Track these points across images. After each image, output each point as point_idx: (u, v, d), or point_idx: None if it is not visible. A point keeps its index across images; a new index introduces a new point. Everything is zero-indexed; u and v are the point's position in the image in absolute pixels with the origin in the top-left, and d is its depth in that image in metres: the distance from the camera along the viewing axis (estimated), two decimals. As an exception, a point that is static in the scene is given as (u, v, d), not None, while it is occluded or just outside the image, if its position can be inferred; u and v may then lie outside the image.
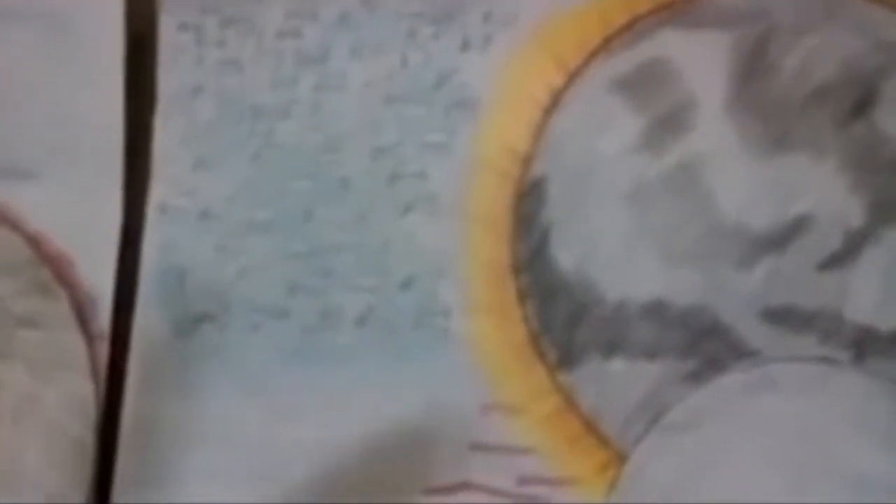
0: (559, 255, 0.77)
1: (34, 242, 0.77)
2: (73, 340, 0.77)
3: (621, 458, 0.69)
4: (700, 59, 0.77)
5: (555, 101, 0.78)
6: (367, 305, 0.77)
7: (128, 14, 0.79)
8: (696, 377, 0.72)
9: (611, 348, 0.76)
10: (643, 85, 0.77)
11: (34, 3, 0.79)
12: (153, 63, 0.80)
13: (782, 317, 0.75)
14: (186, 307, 0.77)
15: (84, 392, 0.76)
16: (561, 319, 0.77)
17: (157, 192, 0.79)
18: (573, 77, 0.78)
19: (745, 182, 0.76)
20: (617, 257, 0.76)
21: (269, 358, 0.77)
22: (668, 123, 0.77)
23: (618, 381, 0.72)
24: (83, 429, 0.75)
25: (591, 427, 0.69)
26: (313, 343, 0.77)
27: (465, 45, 0.79)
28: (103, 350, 0.77)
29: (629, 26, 0.79)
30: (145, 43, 0.80)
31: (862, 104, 0.75)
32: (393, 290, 0.77)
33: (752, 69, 0.77)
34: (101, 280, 0.77)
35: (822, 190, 0.75)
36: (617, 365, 0.76)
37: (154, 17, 0.79)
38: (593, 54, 0.78)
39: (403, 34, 0.79)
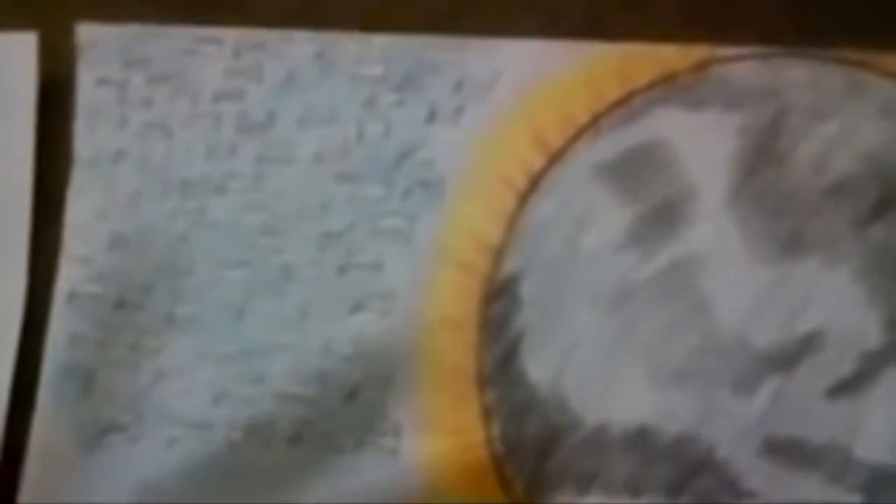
0: (531, 368, 0.65)
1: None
2: None
3: None
4: (701, 144, 0.66)
5: (532, 186, 0.67)
6: (302, 419, 0.65)
7: (43, 63, 0.67)
8: None
9: (588, 481, 0.64)
10: (633, 172, 0.66)
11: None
12: (70, 120, 0.67)
13: (785, 451, 0.64)
14: (93, 415, 0.65)
15: None
16: (531, 444, 0.64)
17: (66, 274, 0.66)
18: (554, 159, 0.67)
19: (748, 289, 0.65)
20: (597, 373, 0.65)
21: (187, 477, 0.65)
22: (661, 217, 0.65)
23: None
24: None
25: (560, 575, 0.57)
26: (239, 462, 0.65)
27: (432, 117, 0.67)
28: None
29: (622, 101, 0.67)
30: (61, 97, 0.68)
31: (884, 203, 0.65)
32: (334, 402, 0.65)
33: (760, 157, 0.66)
34: None
35: (835, 303, 0.64)
36: (594, 501, 0.64)
37: (71, 69, 0.67)
38: (579, 132, 0.67)
39: (361, 101, 0.67)
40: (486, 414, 0.64)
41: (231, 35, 0.67)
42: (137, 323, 0.65)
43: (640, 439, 0.63)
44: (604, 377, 0.64)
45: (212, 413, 0.65)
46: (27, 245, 0.65)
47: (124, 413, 0.64)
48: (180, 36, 0.67)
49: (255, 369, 0.65)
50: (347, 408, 0.65)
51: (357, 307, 0.65)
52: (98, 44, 0.67)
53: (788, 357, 0.64)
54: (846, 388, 0.63)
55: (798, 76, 0.65)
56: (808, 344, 0.63)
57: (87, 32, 0.66)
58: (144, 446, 0.64)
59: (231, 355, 0.65)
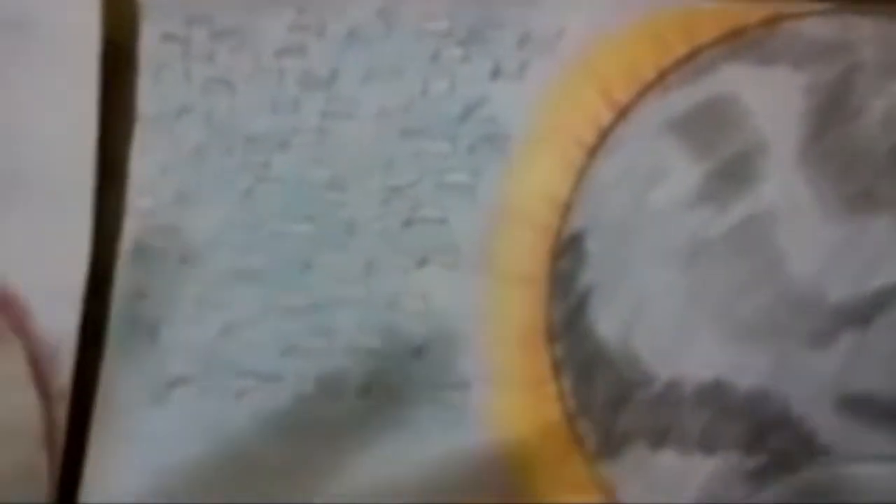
0: (600, 323, 0.61)
1: (-16, 284, 0.51)
2: (26, 399, 0.61)
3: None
4: (771, 100, 0.62)
5: (600, 141, 0.62)
6: (372, 372, 0.60)
7: (105, 20, 0.62)
8: (761, 476, 0.60)
9: (660, 437, 0.60)
10: (704, 127, 0.61)
11: (-7, 4, 0.53)
12: (132, 79, 0.63)
13: (861, 407, 0.59)
14: (161, 368, 0.61)
15: (36, 462, 0.60)
16: (602, 399, 0.60)
17: (132, 230, 0.62)
18: (623, 114, 0.62)
19: (821, 245, 0.60)
20: (668, 328, 0.60)
21: (256, 430, 0.60)
22: (732, 173, 0.61)
23: (668, 478, 0.59)
24: (31, 508, 0.50)
25: (634, 531, 0.47)
26: (309, 414, 0.60)
27: (497, 72, 0.62)
28: (61, 413, 0.60)
29: (689, 57, 0.62)
30: (124, 55, 0.63)
31: None
32: (403, 356, 0.60)
33: (830, 114, 0.61)
34: (62, 330, 0.61)
35: None
36: (667, 458, 0.60)
37: (135, 26, 0.63)
38: (647, 88, 0.62)
39: (425, 56, 0.62)
40: (557, 368, 0.59)
41: None
42: (203, 277, 0.60)
43: (714, 395, 0.59)
44: (675, 333, 0.59)
45: (280, 365, 0.59)
46: (92, 202, 0.60)
47: (192, 366, 0.59)
48: None
49: (323, 322, 0.60)
50: (416, 362, 0.59)
51: (422, 261, 0.60)
52: (161, 1, 0.61)
53: (863, 312, 0.59)
54: None
55: (867, 33, 0.60)
56: (882, 299, 0.59)
57: None
58: (213, 399, 0.59)
59: (298, 308, 0.60)
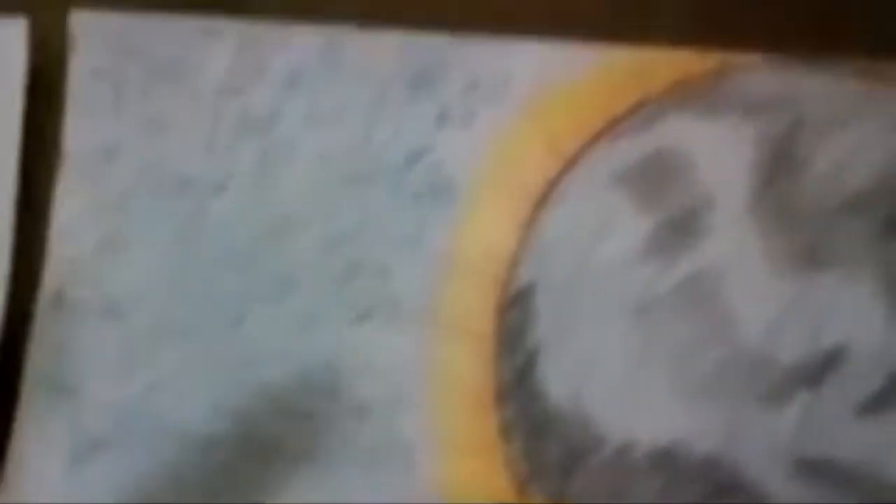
0: (549, 383, 0.46)
1: None
2: None
3: None
4: (719, 153, 0.48)
5: (547, 193, 0.47)
6: (309, 437, 0.44)
7: (33, 51, 0.46)
8: None
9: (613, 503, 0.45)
10: (651, 180, 0.47)
11: None
12: (59, 114, 0.46)
13: (817, 472, 0.45)
14: (79, 429, 0.44)
15: None
16: (552, 465, 0.45)
17: (52, 279, 0.45)
18: (570, 165, 0.48)
19: (770, 302, 0.46)
20: (619, 388, 0.46)
21: (181, 497, 0.43)
22: (680, 227, 0.47)
23: None
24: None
25: None
26: (237, 483, 0.44)
27: (443, 119, 0.47)
28: None
29: (637, 107, 0.48)
30: (51, 88, 0.46)
31: None
32: (343, 419, 0.45)
33: (777, 168, 0.48)
34: None
35: (857, 317, 0.46)
36: None
37: (63, 58, 0.46)
38: (595, 139, 0.48)
39: (369, 100, 0.47)
40: (507, 431, 0.46)
41: (234, 28, 0.48)
42: (128, 332, 0.45)
43: (667, 459, 0.45)
44: (626, 393, 0.46)
45: (209, 429, 0.45)
46: (10, 246, 0.45)
47: (115, 429, 0.44)
48: (181, 27, 0.48)
49: (255, 381, 0.45)
50: (357, 425, 0.45)
51: (363, 316, 0.46)
52: (93, 32, 0.47)
53: (814, 372, 0.46)
54: (875, 405, 0.46)
55: (813, 86, 0.49)
56: (833, 359, 0.46)
57: (82, 20, 0.47)
58: (135, 463, 0.44)
59: (229, 367, 0.45)
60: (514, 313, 0.47)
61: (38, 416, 0.44)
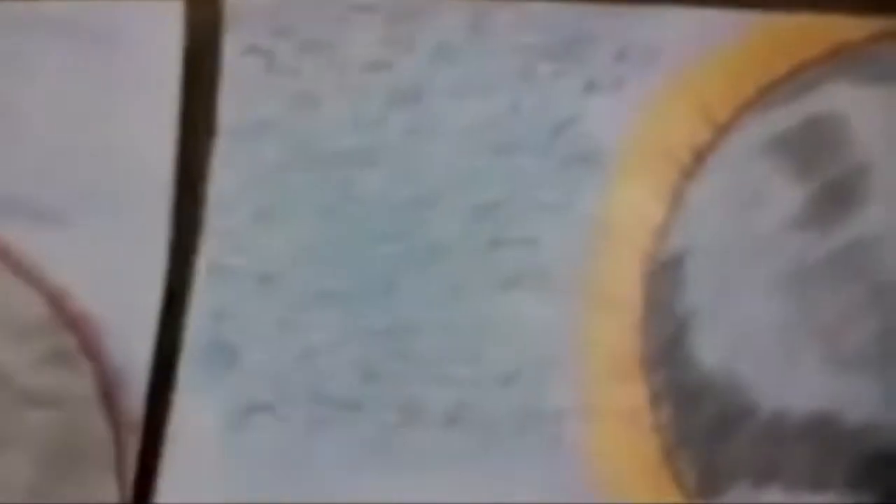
0: (701, 351, 0.44)
1: (56, 301, 0.44)
2: (97, 427, 0.43)
3: None
4: (877, 119, 0.45)
5: (699, 161, 0.45)
6: (458, 401, 0.43)
7: (187, 31, 0.46)
8: None
9: (766, 474, 0.43)
10: (806, 147, 0.45)
11: (74, 12, 0.46)
12: (213, 92, 0.46)
13: None
14: (238, 393, 0.44)
15: (106, 493, 0.42)
16: (703, 432, 0.43)
17: (210, 249, 0.45)
18: (722, 133, 0.45)
19: None
20: (772, 357, 0.43)
21: (336, 460, 0.43)
22: (836, 195, 0.45)
23: None
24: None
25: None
26: (392, 444, 0.43)
27: (591, 87, 0.46)
28: (133, 441, 0.43)
29: (792, 74, 0.46)
30: (206, 67, 0.46)
31: None
32: (491, 384, 0.44)
33: None
34: (135, 353, 0.44)
35: None
36: (773, 496, 0.42)
37: (217, 37, 0.46)
38: (747, 106, 0.46)
39: (516, 71, 0.46)
40: (655, 398, 0.44)
41: (384, 3, 0.47)
42: (283, 298, 0.45)
43: (821, 428, 0.43)
44: (779, 361, 0.44)
45: (362, 392, 0.44)
46: (168, 219, 0.45)
47: (270, 392, 0.44)
48: (332, 4, 0.47)
49: (406, 348, 0.45)
50: (505, 390, 0.44)
51: (511, 284, 0.45)
52: (246, 11, 0.47)
53: None
54: None
55: None
56: None
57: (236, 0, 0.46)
58: (291, 426, 0.44)
59: (381, 332, 0.45)
60: (664, 281, 0.45)
61: (197, 382, 0.44)
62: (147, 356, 0.44)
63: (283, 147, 0.46)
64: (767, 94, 0.46)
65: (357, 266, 0.44)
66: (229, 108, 0.46)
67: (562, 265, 0.44)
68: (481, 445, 0.42)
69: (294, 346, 0.44)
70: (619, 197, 0.45)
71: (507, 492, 0.42)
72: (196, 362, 0.44)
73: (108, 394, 0.44)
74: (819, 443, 0.43)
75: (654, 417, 0.43)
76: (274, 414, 0.43)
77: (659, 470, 0.42)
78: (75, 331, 0.44)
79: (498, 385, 0.43)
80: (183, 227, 0.45)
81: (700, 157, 0.45)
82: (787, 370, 0.43)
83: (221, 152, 0.46)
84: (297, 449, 0.43)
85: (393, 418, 0.43)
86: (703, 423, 0.43)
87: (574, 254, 0.44)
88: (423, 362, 0.43)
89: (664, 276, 0.44)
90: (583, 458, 0.42)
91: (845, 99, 0.45)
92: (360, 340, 0.44)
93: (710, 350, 0.43)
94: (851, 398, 0.43)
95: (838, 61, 0.46)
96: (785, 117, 0.45)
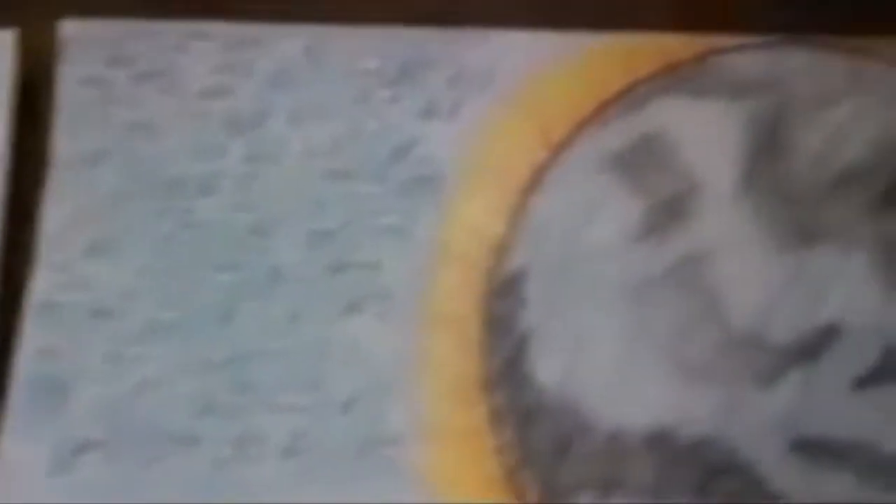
0: (540, 369, 0.43)
1: None
2: None
3: None
4: (707, 134, 0.45)
5: (536, 179, 0.45)
6: (297, 430, 0.42)
7: (21, 61, 0.44)
8: None
9: (606, 489, 0.42)
10: (640, 164, 0.45)
11: None
12: (48, 123, 0.44)
13: (813, 449, 0.42)
14: (67, 432, 0.41)
15: None
16: (544, 451, 0.42)
17: (41, 284, 0.43)
18: (558, 152, 0.45)
19: (763, 281, 0.43)
20: (610, 372, 0.42)
21: (169, 498, 0.41)
22: (670, 210, 0.44)
23: None
24: None
25: None
26: (227, 478, 0.41)
27: (429, 112, 0.45)
28: None
29: (624, 93, 0.46)
30: (40, 98, 0.45)
31: (894, 191, 0.44)
32: (331, 411, 0.42)
33: (766, 147, 0.45)
34: None
35: (854, 292, 0.43)
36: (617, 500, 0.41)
37: (51, 67, 0.45)
38: (584, 124, 0.45)
39: (354, 96, 0.45)
40: (495, 419, 0.43)
41: (219, 30, 0.46)
42: (117, 331, 0.43)
43: (660, 442, 0.42)
44: (617, 377, 0.43)
45: (198, 426, 0.42)
46: None
47: (101, 429, 0.42)
48: (167, 32, 0.46)
49: (244, 378, 0.43)
50: (344, 417, 0.42)
51: (352, 309, 0.43)
52: (82, 41, 0.45)
53: (809, 349, 0.43)
54: (871, 380, 0.43)
55: (800, 65, 0.46)
56: (829, 335, 0.43)
57: (71, 29, 0.46)
58: (123, 464, 0.42)
59: (217, 363, 0.43)
60: (504, 300, 0.44)
61: (23, 423, 0.41)
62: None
63: (119, 176, 0.44)
64: (602, 112, 0.45)
65: (194, 296, 0.43)
66: (64, 138, 0.44)
67: (403, 288, 0.43)
68: (319, 474, 0.41)
69: (127, 380, 0.42)
70: (459, 218, 0.44)
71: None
72: (22, 402, 0.42)
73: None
74: (659, 456, 0.42)
75: (495, 438, 0.41)
76: (105, 452, 0.40)
77: (501, 490, 0.41)
78: None
79: (337, 412, 0.41)
80: (13, 265, 0.43)
81: (538, 175, 0.44)
82: (624, 385, 0.43)
83: (55, 184, 0.44)
84: (129, 487, 0.41)
85: (229, 452, 0.41)
86: (543, 442, 0.42)
87: (415, 276, 0.43)
88: (261, 392, 0.42)
89: (504, 295, 0.43)
90: (423, 480, 0.41)
91: (675, 116, 0.45)
92: (196, 372, 0.42)
93: (549, 368, 0.42)
94: (689, 412, 0.42)
95: (668, 79, 0.45)
96: (618, 135, 0.45)
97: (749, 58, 0.46)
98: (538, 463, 0.42)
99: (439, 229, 0.44)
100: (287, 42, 0.45)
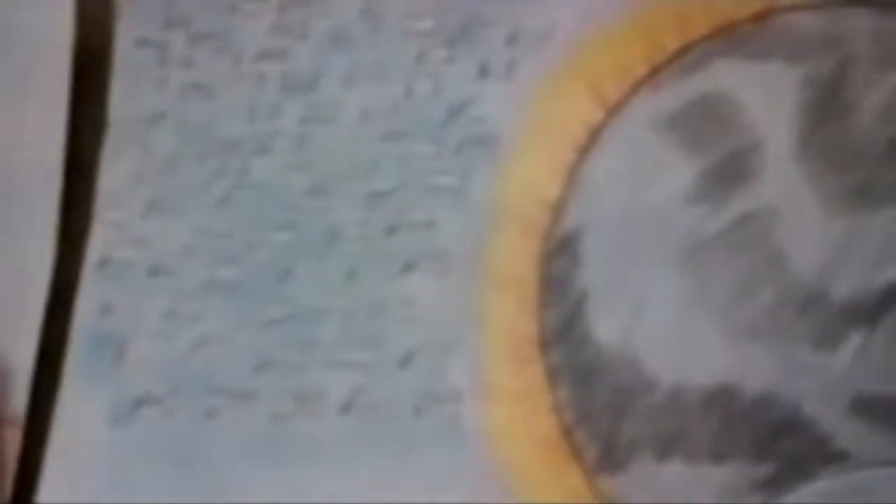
0: (598, 327, 0.42)
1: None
2: None
3: None
4: (765, 95, 0.44)
5: (592, 139, 0.44)
6: (355, 387, 0.41)
7: (78, 23, 0.44)
8: (773, 485, 0.41)
9: (666, 447, 0.41)
10: (697, 124, 0.44)
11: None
12: (105, 84, 0.44)
13: (876, 408, 0.41)
14: (125, 386, 0.41)
15: None
16: (602, 409, 0.42)
17: (99, 242, 0.43)
18: (614, 112, 0.44)
19: (823, 242, 0.43)
20: (670, 331, 0.42)
21: (230, 453, 0.41)
22: (728, 170, 0.43)
23: (676, 489, 0.41)
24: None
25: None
26: (287, 434, 0.41)
27: (484, 72, 0.44)
28: (14, 438, 0.40)
29: (681, 53, 0.45)
30: (97, 60, 0.44)
31: None
32: (389, 367, 0.42)
33: (826, 107, 0.44)
34: (18, 346, 0.41)
35: None
36: (674, 468, 0.41)
37: (109, 30, 0.44)
38: (638, 86, 0.44)
39: (410, 57, 0.45)
40: (552, 377, 0.42)
41: None
42: (174, 289, 0.43)
43: (721, 399, 0.42)
44: (678, 335, 0.42)
45: (255, 382, 0.42)
46: (58, 209, 0.43)
47: (159, 384, 0.42)
48: None
49: (302, 335, 0.43)
50: (403, 373, 0.42)
51: (408, 268, 0.43)
52: (137, 3, 0.45)
53: (870, 310, 0.42)
54: None
55: (860, 24, 0.45)
56: (890, 295, 0.42)
57: None
58: (182, 419, 0.42)
59: (275, 320, 0.43)
60: (560, 260, 0.43)
61: (83, 376, 0.41)
62: (31, 350, 0.41)
63: (175, 138, 0.44)
64: (658, 73, 0.44)
65: (251, 255, 0.42)
66: (121, 100, 0.44)
67: (459, 248, 0.42)
68: (378, 430, 0.40)
69: (184, 337, 0.41)
70: (515, 178, 0.44)
71: (405, 475, 0.40)
72: (82, 356, 0.42)
73: (-8, 389, 0.41)
74: (719, 415, 0.41)
75: (552, 397, 0.41)
76: (163, 407, 0.40)
77: (558, 448, 0.40)
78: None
79: (395, 368, 0.41)
80: (72, 221, 0.42)
81: (594, 135, 0.44)
82: (684, 344, 0.42)
83: (113, 145, 0.43)
84: (187, 442, 0.40)
85: (288, 407, 0.40)
86: (600, 400, 0.41)
87: (471, 236, 0.43)
88: (319, 349, 0.41)
89: (560, 254, 0.42)
90: (480, 438, 0.40)
91: (732, 76, 0.44)
92: (253, 329, 0.41)
93: (607, 327, 0.42)
94: (749, 370, 0.41)
95: (724, 40, 0.45)
96: (674, 96, 0.44)
97: (809, 17, 0.45)
98: (595, 421, 0.41)
99: (495, 189, 0.43)
100: (343, 3, 0.45)
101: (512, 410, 0.42)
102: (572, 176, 0.44)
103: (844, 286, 0.43)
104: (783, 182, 0.44)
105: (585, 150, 0.45)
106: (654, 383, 0.42)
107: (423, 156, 0.44)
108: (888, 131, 0.44)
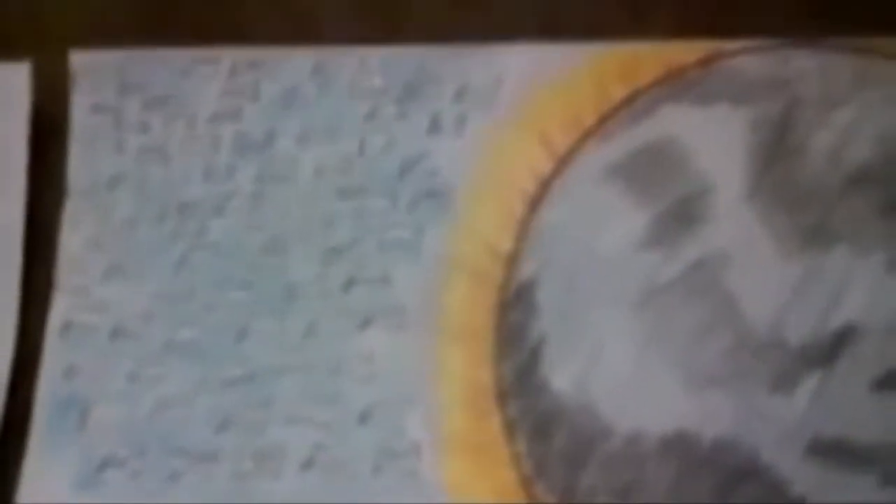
0: (555, 376, 0.42)
1: None
2: None
3: None
4: (714, 139, 0.44)
5: (542, 190, 0.44)
6: (315, 444, 0.42)
7: (35, 92, 0.45)
8: None
9: (624, 494, 0.41)
10: (647, 170, 0.44)
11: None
12: (63, 151, 0.45)
13: (833, 452, 0.41)
14: (90, 448, 0.41)
15: None
16: (560, 458, 0.41)
17: (61, 307, 0.43)
18: (563, 162, 0.44)
19: (777, 285, 0.42)
20: (627, 378, 0.42)
21: None
22: (680, 216, 0.43)
23: None
24: None
25: None
26: (248, 494, 0.41)
27: (435, 127, 0.45)
28: None
29: (628, 101, 0.45)
30: (54, 126, 0.45)
31: None
32: (348, 424, 0.42)
33: (776, 149, 0.44)
34: None
35: (870, 293, 0.42)
36: None
37: (65, 97, 0.45)
38: (587, 135, 0.45)
39: (361, 114, 0.45)
40: (510, 429, 0.42)
41: (226, 55, 0.46)
42: (136, 351, 0.43)
43: (679, 446, 0.41)
44: (634, 382, 0.42)
45: (216, 442, 0.42)
46: (19, 279, 0.44)
47: (123, 446, 0.42)
48: (175, 58, 0.46)
49: (261, 393, 0.43)
50: (362, 429, 0.42)
51: (366, 323, 0.43)
52: (92, 70, 0.46)
53: (826, 352, 0.42)
54: (890, 381, 0.42)
55: (806, 66, 0.45)
56: (845, 337, 0.42)
57: (81, 59, 0.46)
58: (145, 480, 0.42)
59: (234, 380, 0.43)
60: (516, 310, 0.43)
61: (48, 442, 0.41)
62: (-2, 418, 0.41)
63: (133, 201, 0.44)
64: (606, 121, 0.45)
65: (209, 316, 0.43)
66: (79, 166, 0.45)
67: (414, 302, 0.43)
68: (338, 488, 0.40)
69: (147, 399, 0.42)
70: (468, 230, 0.44)
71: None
72: (46, 422, 0.42)
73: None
74: (677, 462, 0.41)
75: (511, 449, 0.41)
76: (128, 469, 0.40)
77: (517, 500, 0.40)
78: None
79: (355, 424, 0.41)
80: (35, 288, 0.43)
81: (544, 186, 0.44)
82: (641, 390, 0.42)
83: (72, 211, 0.44)
84: (152, 502, 0.40)
85: (249, 466, 0.40)
86: (558, 450, 0.41)
87: (426, 289, 0.43)
88: (279, 407, 0.41)
89: (516, 304, 0.43)
90: (440, 492, 0.40)
91: (681, 121, 0.44)
92: (213, 390, 0.41)
93: (563, 375, 0.42)
94: (706, 416, 0.41)
95: (672, 84, 0.45)
96: (624, 143, 0.44)
97: (754, 61, 0.45)
98: (555, 471, 0.41)
99: (448, 241, 0.44)
100: (293, 63, 0.45)
101: (471, 463, 0.42)
102: (525, 226, 0.45)
103: (800, 328, 0.43)
104: (735, 226, 0.44)
105: (537, 200, 0.45)
106: (611, 430, 0.42)
107: (377, 211, 0.45)
108: (839, 171, 0.44)
